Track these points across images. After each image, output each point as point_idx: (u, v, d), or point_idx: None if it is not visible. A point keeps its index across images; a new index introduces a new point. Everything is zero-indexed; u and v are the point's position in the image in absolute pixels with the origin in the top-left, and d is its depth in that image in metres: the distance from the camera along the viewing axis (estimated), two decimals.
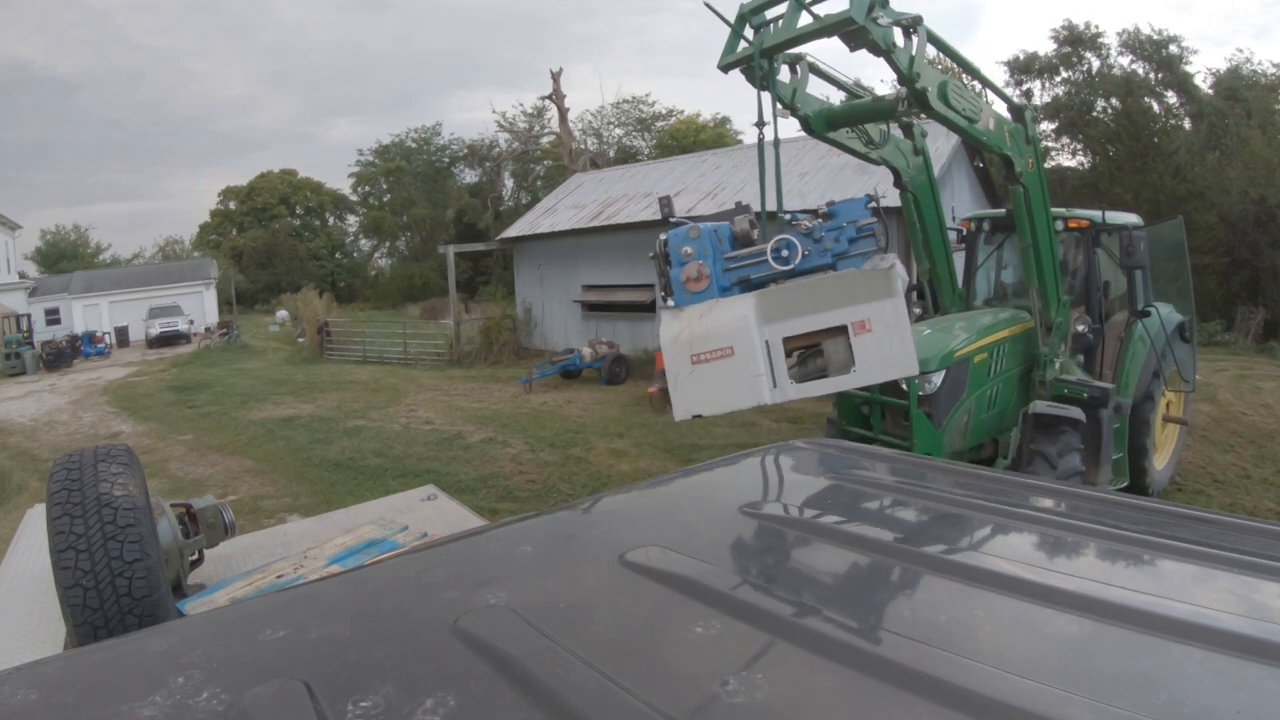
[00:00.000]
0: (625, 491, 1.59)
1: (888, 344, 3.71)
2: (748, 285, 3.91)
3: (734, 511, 1.30)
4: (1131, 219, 6.52)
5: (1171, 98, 23.63)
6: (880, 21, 4.19)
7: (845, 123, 5.31)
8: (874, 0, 4.10)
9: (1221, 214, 19.57)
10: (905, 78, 4.47)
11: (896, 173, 6.00)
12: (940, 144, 14.30)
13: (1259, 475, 7.43)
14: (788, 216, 4.05)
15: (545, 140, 34.94)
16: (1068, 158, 25.73)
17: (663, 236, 3.92)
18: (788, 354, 3.79)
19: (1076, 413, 5.47)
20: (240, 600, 2.08)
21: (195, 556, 2.83)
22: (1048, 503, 1.39)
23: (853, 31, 4.14)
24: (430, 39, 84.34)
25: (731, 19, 4.54)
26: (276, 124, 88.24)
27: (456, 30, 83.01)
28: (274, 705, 0.74)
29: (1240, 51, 39.78)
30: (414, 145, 48.31)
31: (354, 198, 51.74)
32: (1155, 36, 23.30)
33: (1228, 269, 19.86)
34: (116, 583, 2.02)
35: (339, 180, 54.86)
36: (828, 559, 1.08)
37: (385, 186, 49.15)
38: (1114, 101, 23.36)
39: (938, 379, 5.32)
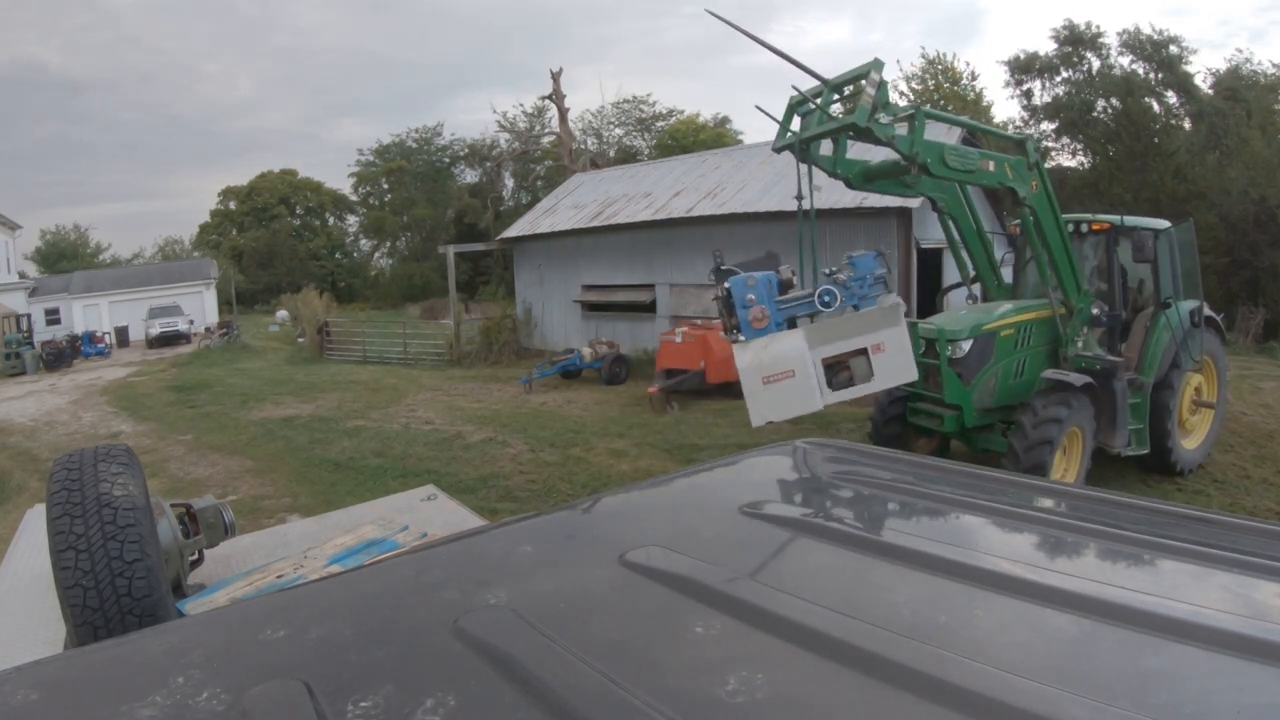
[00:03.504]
0: (625, 491, 1.59)
1: (896, 359, 5.42)
2: (791, 321, 5.41)
3: (734, 511, 1.30)
4: (1157, 223, 7.43)
5: (1171, 98, 23.62)
6: (882, 120, 5.41)
7: (878, 177, 6.51)
8: (874, 107, 5.34)
9: (1221, 214, 19.56)
10: (907, 158, 5.74)
11: (933, 201, 7.06)
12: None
13: (1259, 475, 7.45)
14: (826, 271, 5.60)
15: (545, 140, 34.93)
16: (1068, 158, 25.75)
17: (726, 285, 5.26)
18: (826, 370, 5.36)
19: (1075, 379, 6.31)
20: (240, 600, 2.08)
21: (195, 556, 2.83)
22: (1048, 503, 1.39)
23: (860, 130, 5.43)
24: (437, 42, 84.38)
25: (757, 102, 6.48)
26: (282, 125, 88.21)
27: (464, 33, 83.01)
28: (274, 705, 0.74)
29: (1240, 52, 39.80)
30: (414, 145, 48.30)
31: (354, 198, 51.73)
32: (1155, 37, 23.29)
33: (1228, 269, 19.84)
34: (116, 583, 2.02)
35: (343, 181, 54.80)
36: (828, 559, 1.08)
37: (386, 186, 49.12)
38: (1114, 101, 23.35)
39: (966, 345, 6.53)
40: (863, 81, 5.46)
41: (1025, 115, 26.16)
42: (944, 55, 32.83)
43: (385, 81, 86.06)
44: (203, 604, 2.32)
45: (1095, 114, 23.94)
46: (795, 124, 6.15)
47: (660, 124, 41.22)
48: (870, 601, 0.94)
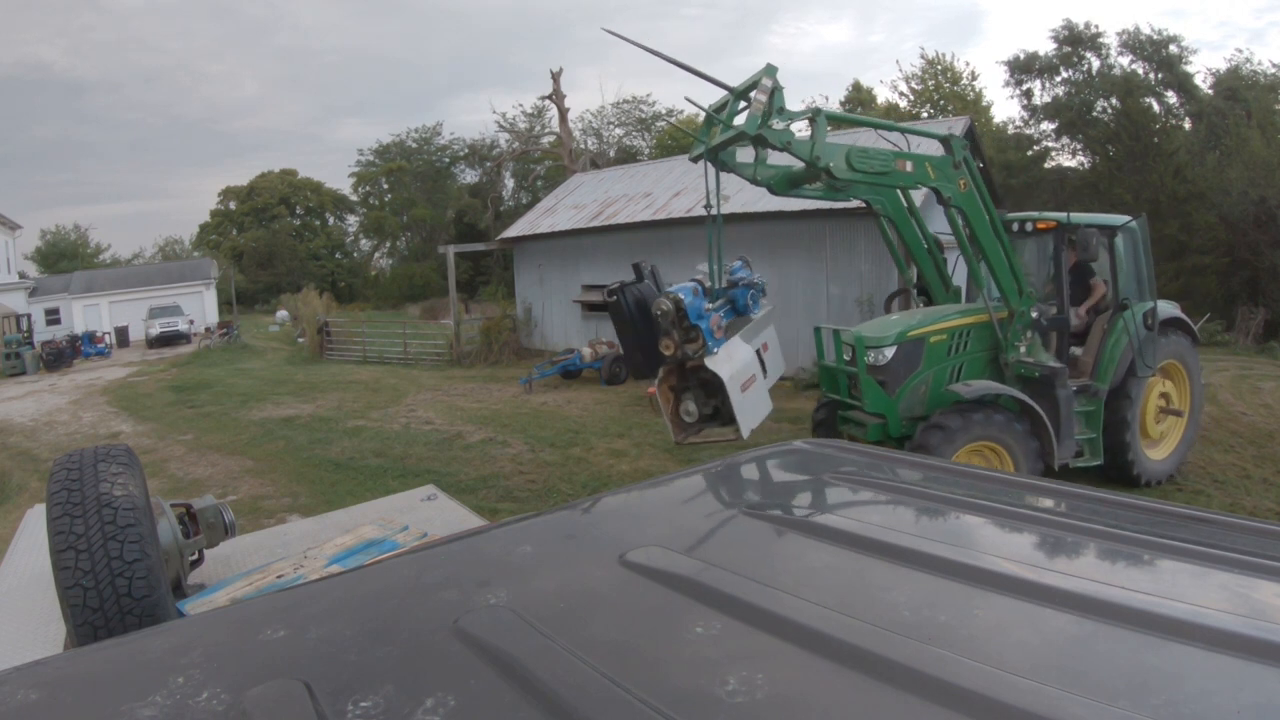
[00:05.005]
0: (625, 491, 1.59)
1: (775, 356, 5.93)
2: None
3: (734, 511, 1.30)
4: (1112, 219, 7.01)
5: (1171, 98, 23.62)
6: (776, 126, 5.33)
7: (801, 182, 6.25)
8: (765, 114, 5.26)
9: (1221, 214, 19.57)
10: (808, 162, 5.52)
11: (868, 203, 6.73)
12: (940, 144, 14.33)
13: (1259, 475, 7.43)
14: (741, 276, 5.77)
15: (545, 140, 34.94)
16: (1068, 158, 25.76)
17: (679, 295, 5.17)
18: None
19: (969, 390, 6.03)
20: (240, 600, 2.08)
21: (195, 556, 2.83)
22: (1048, 503, 1.39)
23: (754, 138, 5.33)
24: (439, 43, 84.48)
25: (686, 127, 6.43)
26: (284, 125, 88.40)
27: (465, 34, 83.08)
28: (274, 705, 0.74)
29: (1240, 52, 39.80)
30: (414, 145, 48.31)
31: (354, 198, 51.76)
32: (1155, 36, 23.29)
33: (1228, 269, 19.86)
34: (116, 583, 2.01)
35: (344, 181, 54.88)
36: (828, 559, 1.08)
37: (386, 186, 49.14)
38: (1114, 101, 23.35)
39: (889, 352, 6.24)
40: (758, 91, 5.34)
41: (1025, 115, 26.22)
42: (944, 56, 32.89)
43: (387, 82, 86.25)
44: (203, 604, 2.32)
45: (1095, 114, 23.95)
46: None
47: (660, 124, 41.24)
48: (870, 601, 0.94)
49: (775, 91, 5.31)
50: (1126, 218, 6.96)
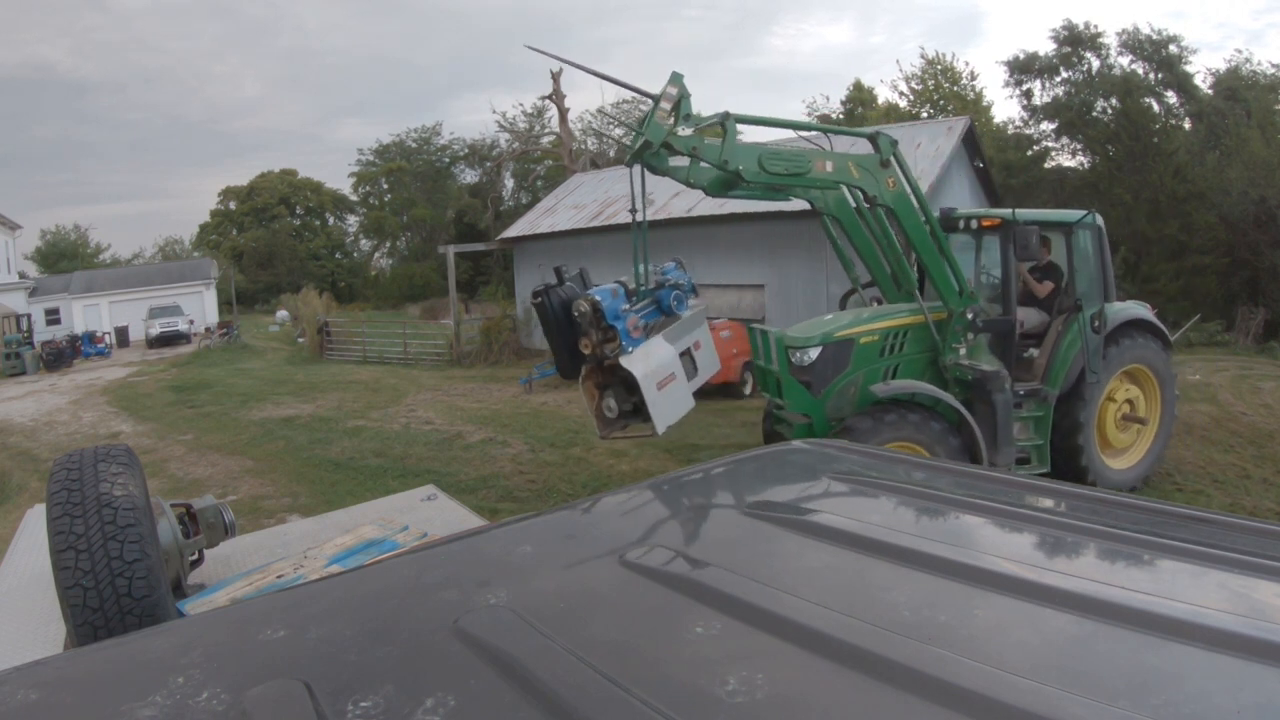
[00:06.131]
0: (625, 491, 1.59)
1: (708, 354, 5.94)
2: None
3: (734, 511, 1.30)
4: (1066, 215, 6.75)
5: (1171, 98, 23.60)
6: (682, 133, 5.40)
7: (732, 185, 6.17)
8: (670, 125, 5.34)
9: (1222, 214, 19.56)
10: (717, 167, 5.54)
11: (812, 204, 6.67)
12: (940, 143, 14.30)
13: (1259, 475, 7.43)
14: (669, 278, 5.80)
15: (545, 140, 34.95)
16: (1068, 158, 25.74)
17: (595, 297, 5.23)
18: None
19: (886, 390, 5.99)
20: (240, 600, 2.09)
21: (195, 556, 2.83)
22: (1048, 503, 1.39)
23: (663, 145, 5.39)
24: (440, 43, 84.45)
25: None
26: (284, 125, 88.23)
27: (465, 34, 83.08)
28: (274, 705, 0.74)
29: (1239, 52, 39.79)
30: (414, 145, 48.32)
31: (354, 198, 51.76)
32: (1155, 36, 23.28)
33: (1228, 269, 19.85)
34: (116, 583, 2.02)
35: (344, 181, 54.83)
36: (828, 559, 1.08)
37: (386, 186, 49.14)
38: (1114, 101, 23.33)
39: (814, 353, 6.19)
40: (663, 99, 5.35)
41: (1025, 115, 26.21)
42: (944, 56, 32.90)
43: (387, 82, 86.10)
44: (203, 604, 2.32)
45: (1095, 114, 23.93)
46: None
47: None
48: (870, 601, 0.94)
49: (681, 99, 5.36)
50: (1081, 213, 6.64)
